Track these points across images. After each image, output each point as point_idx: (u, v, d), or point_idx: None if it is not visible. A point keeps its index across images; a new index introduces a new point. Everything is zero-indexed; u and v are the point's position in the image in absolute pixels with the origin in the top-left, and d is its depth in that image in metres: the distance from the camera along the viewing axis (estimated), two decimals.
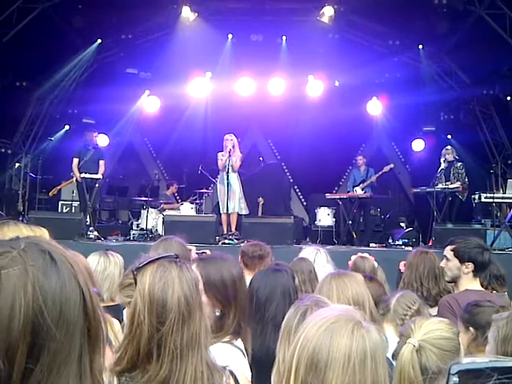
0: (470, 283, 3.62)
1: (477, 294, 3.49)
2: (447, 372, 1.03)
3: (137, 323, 1.66)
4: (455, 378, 0.87)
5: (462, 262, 3.65)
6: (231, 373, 1.76)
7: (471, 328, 2.59)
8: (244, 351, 2.27)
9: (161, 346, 1.63)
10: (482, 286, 3.77)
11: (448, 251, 3.79)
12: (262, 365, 2.22)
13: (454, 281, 3.75)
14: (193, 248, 3.78)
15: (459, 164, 10.18)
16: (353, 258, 4.30)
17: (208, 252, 3.90)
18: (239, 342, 2.28)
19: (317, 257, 4.16)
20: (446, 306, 3.41)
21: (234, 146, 10.03)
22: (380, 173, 11.34)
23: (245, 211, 10.12)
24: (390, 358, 2.05)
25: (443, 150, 10.31)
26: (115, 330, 2.44)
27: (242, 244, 7.75)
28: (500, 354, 2.10)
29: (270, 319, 2.68)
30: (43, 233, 1.96)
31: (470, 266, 3.62)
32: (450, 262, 3.78)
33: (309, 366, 1.31)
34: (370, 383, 1.28)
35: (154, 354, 1.63)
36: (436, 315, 3.23)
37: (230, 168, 9.87)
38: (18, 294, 0.86)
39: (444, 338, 2.07)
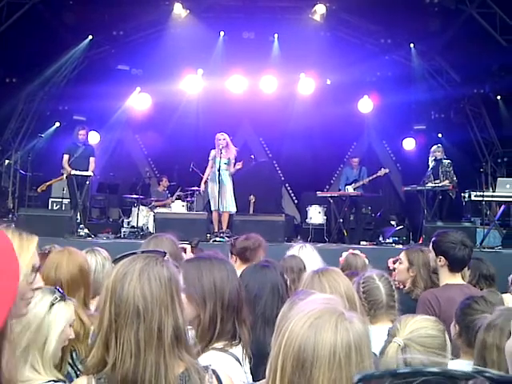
0: (450, 278, 3.58)
1: (457, 288, 3.47)
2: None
3: (102, 313, 1.67)
4: None
5: (436, 254, 3.64)
6: (213, 371, 1.72)
7: (457, 326, 2.61)
8: (240, 358, 2.15)
9: (117, 338, 1.62)
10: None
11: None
12: (253, 359, 2.22)
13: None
14: (187, 246, 3.72)
15: (447, 162, 10.19)
16: (344, 254, 4.28)
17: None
18: (236, 349, 2.16)
19: (302, 252, 4.05)
20: (426, 304, 3.38)
21: (227, 145, 9.97)
22: (374, 176, 11.34)
23: (234, 209, 10.04)
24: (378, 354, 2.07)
25: (433, 148, 10.33)
26: None
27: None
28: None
29: (260, 314, 2.68)
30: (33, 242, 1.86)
31: (443, 259, 3.58)
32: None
33: (295, 366, 1.29)
34: None
35: (112, 347, 1.62)
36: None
37: (222, 166, 9.83)
38: None
39: (429, 335, 2.09)
